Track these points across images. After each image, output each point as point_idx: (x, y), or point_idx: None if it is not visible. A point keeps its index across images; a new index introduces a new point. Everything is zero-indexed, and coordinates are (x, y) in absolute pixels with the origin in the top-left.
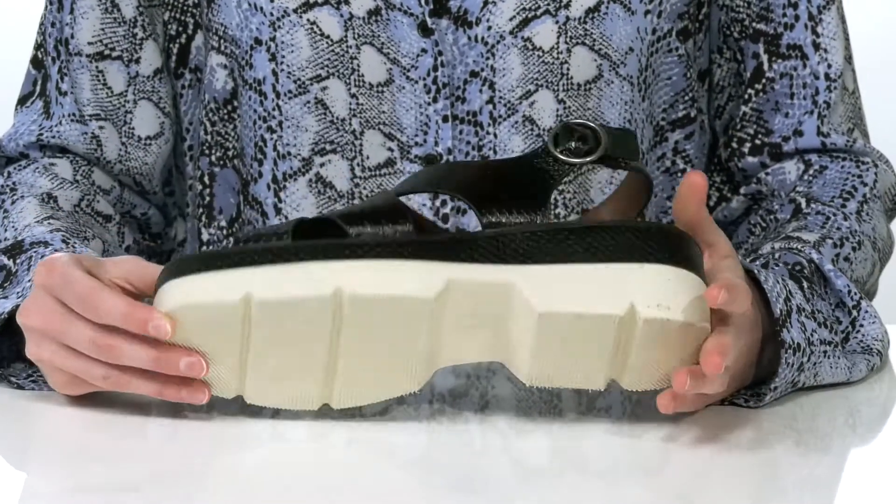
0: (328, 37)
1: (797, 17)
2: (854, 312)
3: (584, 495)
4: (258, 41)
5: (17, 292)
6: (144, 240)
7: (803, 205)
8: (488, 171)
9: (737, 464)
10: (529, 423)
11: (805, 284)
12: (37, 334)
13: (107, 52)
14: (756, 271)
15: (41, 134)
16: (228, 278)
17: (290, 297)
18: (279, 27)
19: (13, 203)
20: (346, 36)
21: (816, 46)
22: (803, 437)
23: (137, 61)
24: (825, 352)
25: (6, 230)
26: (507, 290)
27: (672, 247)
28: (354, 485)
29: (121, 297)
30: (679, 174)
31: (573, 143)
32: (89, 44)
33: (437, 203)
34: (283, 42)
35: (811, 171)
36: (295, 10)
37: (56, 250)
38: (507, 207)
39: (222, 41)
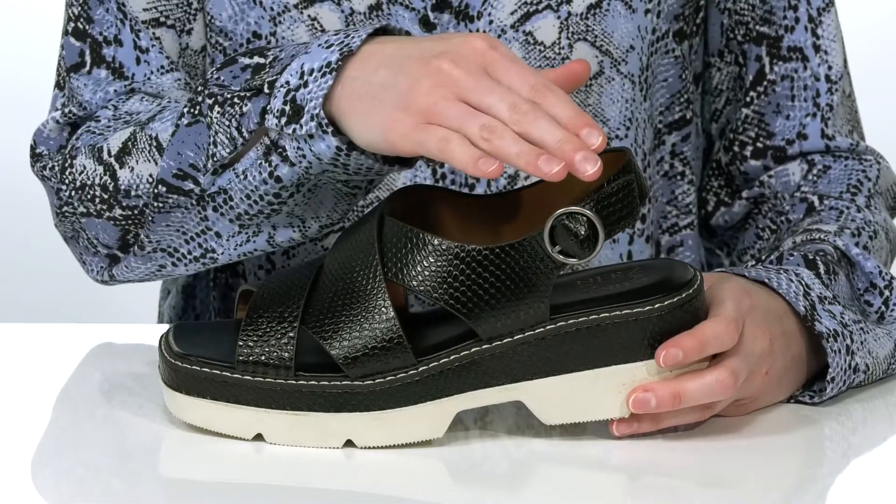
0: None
1: (797, 20)
2: (886, 292)
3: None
4: (257, 35)
5: (320, 45)
6: None
7: (816, 202)
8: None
9: (740, 459)
10: (528, 430)
11: (822, 269)
12: (437, 81)
13: (162, 19)
14: (767, 280)
15: (132, 87)
16: (242, 415)
17: (300, 444)
18: (280, 22)
19: (159, 106)
20: None
21: (817, 48)
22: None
23: (189, 32)
24: (862, 328)
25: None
26: (515, 400)
27: (675, 330)
28: (351, 493)
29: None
30: (678, 177)
31: (570, 239)
32: (144, 10)
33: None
34: (283, 38)
35: (815, 171)
36: (296, 6)
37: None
38: (509, 320)
39: (208, 30)
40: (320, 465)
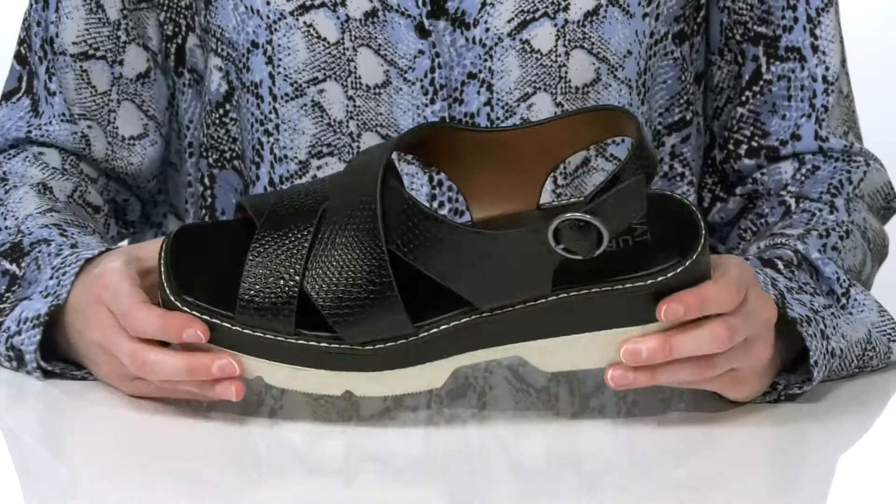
0: (325, 39)
1: (796, 20)
2: (843, 300)
3: (583, 494)
4: (255, 44)
5: (41, 292)
6: (117, 224)
7: (793, 205)
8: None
9: (734, 458)
10: (527, 424)
11: (780, 265)
12: (96, 347)
13: (91, 51)
14: None
15: (30, 131)
16: (241, 359)
17: (300, 390)
18: (275, 30)
19: (7, 192)
20: (342, 38)
21: (815, 49)
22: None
23: (121, 63)
24: (833, 313)
25: (6, 219)
26: (514, 356)
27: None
28: (351, 488)
29: (152, 310)
30: (677, 178)
31: (575, 239)
32: (73, 43)
33: (435, 205)
34: (279, 45)
35: (804, 171)
36: (291, 13)
37: (60, 246)
38: (508, 300)
39: (219, 43)
40: (320, 465)
